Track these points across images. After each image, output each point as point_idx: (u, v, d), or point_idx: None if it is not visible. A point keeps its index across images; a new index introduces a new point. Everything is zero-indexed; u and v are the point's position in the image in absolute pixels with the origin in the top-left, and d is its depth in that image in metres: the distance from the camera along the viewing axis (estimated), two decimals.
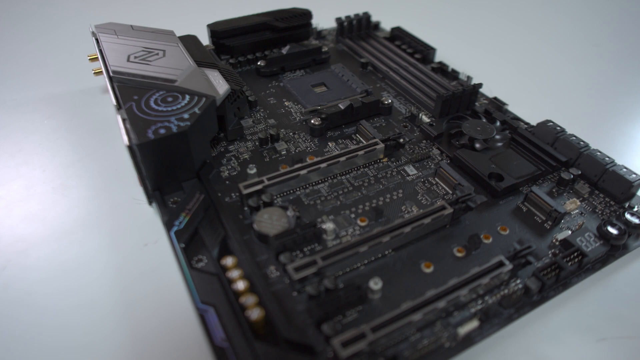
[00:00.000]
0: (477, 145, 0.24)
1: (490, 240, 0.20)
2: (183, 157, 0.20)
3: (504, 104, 0.28)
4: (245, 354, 0.15)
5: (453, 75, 0.30)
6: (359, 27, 0.35)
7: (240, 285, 0.16)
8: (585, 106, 0.31)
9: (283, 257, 0.18)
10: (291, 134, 0.25)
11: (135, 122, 0.19)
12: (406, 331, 0.16)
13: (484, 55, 0.37)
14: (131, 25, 0.27)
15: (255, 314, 0.15)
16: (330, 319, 0.16)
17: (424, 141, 0.25)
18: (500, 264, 0.18)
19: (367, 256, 0.18)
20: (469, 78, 0.29)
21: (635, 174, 0.21)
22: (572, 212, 0.21)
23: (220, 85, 0.23)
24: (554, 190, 0.22)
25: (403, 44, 0.34)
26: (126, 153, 0.20)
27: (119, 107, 0.21)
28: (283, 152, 0.24)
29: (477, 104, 0.28)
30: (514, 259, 0.18)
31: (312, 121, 0.25)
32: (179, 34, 0.27)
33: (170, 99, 0.21)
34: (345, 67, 0.30)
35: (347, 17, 0.34)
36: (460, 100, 0.26)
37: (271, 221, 0.19)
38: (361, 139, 0.25)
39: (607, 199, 0.22)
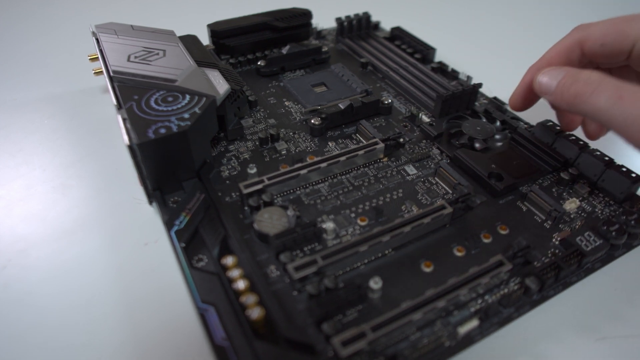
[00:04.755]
0: (477, 145, 0.24)
1: (490, 239, 0.20)
2: (183, 157, 0.20)
3: (504, 103, 0.28)
4: (246, 353, 0.15)
5: (453, 75, 0.30)
6: (358, 27, 0.35)
7: (241, 284, 0.17)
8: None
9: (283, 256, 0.18)
10: (291, 133, 0.25)
11: (135, 122, 0.19)
12: (406, 330, 0.16)
13: (484, 55, 0.37)
14: (131, 25, 0.27)
15: (255, 313, 0.16)
16: (331, 318, 0.16)
17: (424, 141, 0.25)
18: (500, 264, 0.18)
19: (367, 255, 0.19)
20: (469, 78, 0.29)
21: (634, 173, 0.21)
22: (571, 212, 0.21)
23: (220, 85, 0.23)
24: (553, 189, 0.22)
25: (403, 44, 0.34)
26: (126, 153, 0.20)
27: (119, 106, 0.21)
28: (283, 152, 0.24)
29: (477, 103, 0.28)
30: (513, 258, 0.18)
31: (312, 121, 0.25)
32: (179, 34, 0.27)
33: (170, 99, 0.21)
34: (345, 67, 0.31)
35: (347, 17, 0.35)
36: (460, 100, 0.26)
37: (271, 221, 0.19)
38: (361, 138, 0.25)
39: (607, 199, 0.22)
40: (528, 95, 0.22)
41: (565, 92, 0.19)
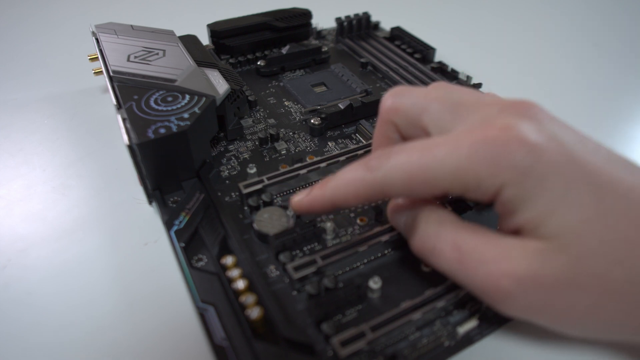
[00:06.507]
0: None
1: None
2: (183, 157, 0.20)
3: None
4: (245, 353, 0.15)
5: (453, 75, 0.30)
6: (358, 27, 0.35)
7: (240, 284, 0.17)
8: (585, 106, 0.31)
9: (283, 256, 0.18)
10: (291, 133, 0.25)
11: (135, 122, 0.19)
12: (405, 330, 0.16)
13: (484, 55, 0.37)
14: (131, 25, 0.27)
15: (255, 313, 0.16)
16: (330, 318, 0.16)
17: None
18: None
19: (366, 255, 0.19)
20: (468, 78, 0.29)
21: None
22: None
23: (220, 85, 0.23)
24: None
25: (403, 44, 0.34)
26: (126, 152, 0.20)
27: (119, 106, 0.21)
28: (283, 152, 0.24)
29: None
30: None
31: (312, 121, 0.25)
32: (179, 33, 0.27)
33: (170, 99, 0.21)
34: (345, 67, 0.31)
35: (347, 17, 0.35)
36: None
37: (271, 220, 0.19)
38: (361, 138, 0.25)
39: None
40: (313, 212, 0.18)
41: (410, 242, 0.17)
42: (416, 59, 0.32)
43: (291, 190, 0.22)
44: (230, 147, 0.24)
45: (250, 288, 0.17)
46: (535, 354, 0.17)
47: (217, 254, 0.18)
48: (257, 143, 0.25)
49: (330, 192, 0.16)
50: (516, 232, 0.14)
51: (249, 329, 0.15)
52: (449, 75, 0.30)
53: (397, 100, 0.17)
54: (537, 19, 0.44)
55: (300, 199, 0.18)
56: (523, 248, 0.14)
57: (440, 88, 0.17)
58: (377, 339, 0.15)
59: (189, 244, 0.19)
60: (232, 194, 0.21)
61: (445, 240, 0.15)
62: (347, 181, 0.16)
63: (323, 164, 0.22)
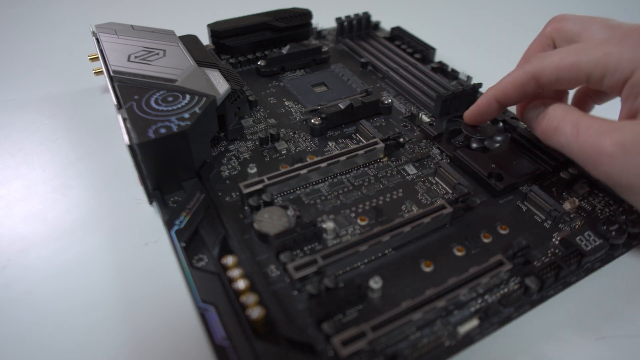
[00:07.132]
0: (477, 145, 0.24)
1: (490, 239, 0.20)
2: (183, 157, 0.20)
3: None
4: (246, 352, 0.15)
5: (453, 75, 0.30)
6: (358, 27, 0.35)
7: (241, 284, 0.17)
8: None
9: (283, 256, 0.18)
10: (291, 133, 0.25)
11: (135, 122, 0.19)
12: (406, 330, 0.16)
13: (484, 55, 0.37)
14: (131, 25, 0.27)
15: (255, 312, 0.16)
16: (331, 317, 0.16)
17: (424, 141, 0.25)
18: (500, 263, 0.18)
19: (367, 255, 0.19)
20: (468, 78, 0.29)
21: None
22: (571, 212, 0.21)
23: (220, 85, 0.23)
24: (553, 189, 0.22)
25: (403, 44, 0.34)
26: (126, 152, 0.20)
27: (119, 106, 0.21)
28: (283, 152, 0.24)
29: None
30: (513, 258, 0.18)
31: (312, 121, 0.25)
32: (179, 33, 0.27)
33: (170, 99, 0.21)
34: (345, 67, 0.31)
35: (347, 17, 0.35)
36: (460, 100, 0.26)
37: (271, 220, 0.19)
38: (361, 138, 0.25)
39: (607, 198, 0.22)
40: (481, 115, 0.23)
41: (537, 127, 0.20)
42: (416, 59, 0.32)
43: (291, 190, 0.22)
44: (231, 147, 0.24)
45: (250, 288, 0.17)
46: (535, 354, 0.17)
47: (218, 254, 0.18)
48: (257, 143, 0.25)
49: (492, 90, 0.21)
50: (632, 117, 0.18)
51: (249, 329, 0.15)
52: (449, 75, 0.30)
53: (562, 22, 0.22)
54: (538, 19, 0.44)
55: (469, 109, 0.23)
56: (634, 124, 0.17)
57: (599, 17, 0.21)
58: (377, 339, 0.15)
59: (190, 244, 0.19)
60: (233, 193, 0.21)
61: (567, 120, 0.19)
62: (508, 76, 0.21)
63: (323, 164, 0.22)
